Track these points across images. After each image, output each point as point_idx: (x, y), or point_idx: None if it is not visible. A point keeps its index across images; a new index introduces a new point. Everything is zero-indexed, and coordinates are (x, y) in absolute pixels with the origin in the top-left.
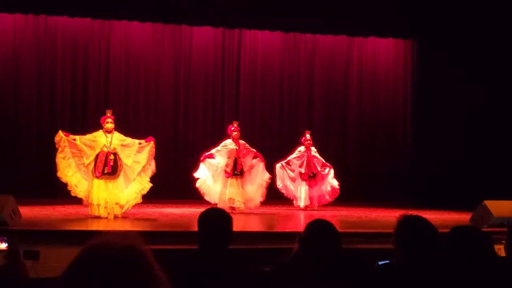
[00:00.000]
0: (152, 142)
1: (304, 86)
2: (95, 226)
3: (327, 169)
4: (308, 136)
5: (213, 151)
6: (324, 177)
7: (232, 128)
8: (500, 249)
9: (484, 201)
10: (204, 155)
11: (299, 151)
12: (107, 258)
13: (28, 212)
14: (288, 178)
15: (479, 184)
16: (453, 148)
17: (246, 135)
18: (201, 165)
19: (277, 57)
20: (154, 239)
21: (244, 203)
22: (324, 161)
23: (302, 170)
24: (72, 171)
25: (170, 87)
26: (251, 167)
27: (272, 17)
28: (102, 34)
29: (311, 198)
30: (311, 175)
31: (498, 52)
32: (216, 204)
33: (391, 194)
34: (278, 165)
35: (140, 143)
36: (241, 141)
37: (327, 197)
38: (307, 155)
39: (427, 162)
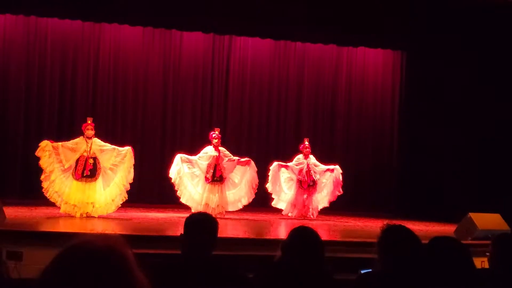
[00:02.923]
0: (130, 149)
1: (293, 94)
2: (79, 228)
3: (329, 173)
4: (306, 143)
5: (195, 157)
6: (321, 185)
7: (214, 135)
8: (484, 261)
9: (469, 213)
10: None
11: (298, 159)
12: (86, 259)
13: (12, 213)
14: (283, 183)
15: (464, 196)
16: (439, 159)
17: (234, 141)
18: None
19: (266, 65)
20: (137, 243)
21: (222, 206)
22: (326, 167)
23: (301, 178)
24: (55, 176)
25: (158, 92)
26: (232, 172)
27: (263, 24)
28: (92, 36)
29: (308, 207)
30: (311, 183)
31: (485, 64)
32: (191, 208)
33: (376, 204)
34: (274, 164)
35: (119, 150)
36: (221, 148)
37: (325, 203)
38: (307, 163)
39: (414, 173)
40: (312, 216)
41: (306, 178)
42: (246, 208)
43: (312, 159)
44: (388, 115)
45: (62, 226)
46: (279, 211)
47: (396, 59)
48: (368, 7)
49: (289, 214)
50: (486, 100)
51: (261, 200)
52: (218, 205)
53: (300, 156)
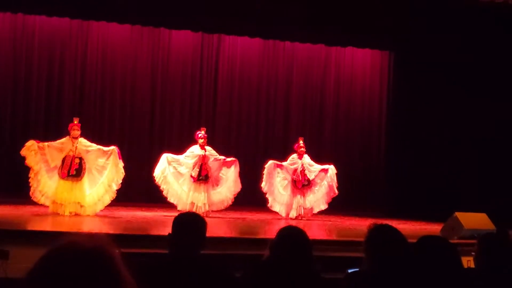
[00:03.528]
0: (115, 148)
1: (281, 93)
2: (66, 227)
3: (323, 174)
4: (301, 142)
5: (181, 156)
6: (316, 185)
7: (200, 135)
8: (470, 261)
9: (455, 212)
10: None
11: (293, 158)
12: (73, 259)
13: None
14: (278, 183)
15: (451, 196)
16: (426, 159)
17: (222, 140)
18: (164, 165)
19: (255, 64)
20: (125, 242)
21: (209, 206)
22: (320, 167)
23: (296, 178)
24: (40, 175)
25: (147, 90)
26: (218, 171)
27: (252, 23)
28: (80, 34)
29: (304, 208)
30: (306, 183)
31: (472, 65)
32: (177, 206)
33: (364, 203)
34: (270, 163)
35: (104, 150)
36: (208, 147)
37: (321, 205)
38: (301, 163)
39: (401, 172)
40: (308, 215)
41: (300, 178)
42: (241, 208)
43: (306, 158)
44: (375, 115)
45: (49, 225)
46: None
47: (384, 59)
48: (356, 7)
49: (290, 216)
50: (474, 100)
51: (256, 199)
52: (204, 204)
53: (295, 155)
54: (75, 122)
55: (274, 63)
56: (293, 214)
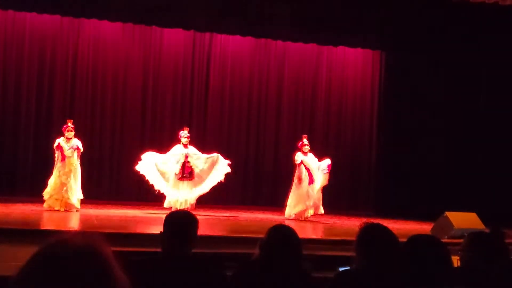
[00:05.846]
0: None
1: (273, 92)
2: (54, 225)
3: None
4: (305, 141)
5: (165, 156)
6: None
7: (182, 134)
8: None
9: (446, 212)
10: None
11: (297, 159)
12: (65, 257)
13: None
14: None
15: (443, 195)
16: (418, 158)
17: (214, 138)
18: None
19: (247, 62)
20: (117, 241)
21: (191, 203)
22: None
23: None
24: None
25: (138, 88)
26: (199, 168)
27: (244, 22)
28: (71, 32)
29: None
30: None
31: (463, 65)
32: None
33: (355, 202)
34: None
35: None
36: (190, 146)
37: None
38: (308, 162)
39: (392, 172)
40: (318, 212)
41: (309, 176)
42: (232, 207)
43: (309, 157)
44: (367, 114)
45: (37, 223)
46: (271, 210)
47: (375, 59)
48: (348, 7)
49: (305, 215)
50: (466, 99)
51: (247, 198)
52: (186, 201)
53: (300, 155)
54: (69, 124)
55: (266, 62)
56: (309, 213)
